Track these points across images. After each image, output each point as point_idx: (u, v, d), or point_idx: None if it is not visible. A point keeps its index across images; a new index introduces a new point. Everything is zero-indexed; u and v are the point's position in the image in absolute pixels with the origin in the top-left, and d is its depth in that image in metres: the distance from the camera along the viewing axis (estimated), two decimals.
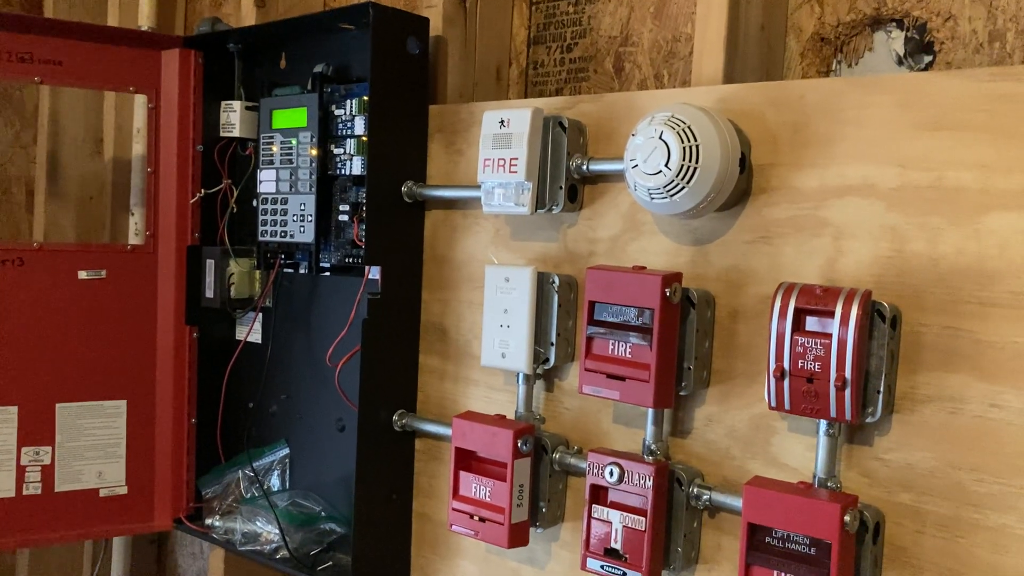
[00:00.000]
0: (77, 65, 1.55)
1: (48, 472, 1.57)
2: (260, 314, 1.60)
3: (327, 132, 1.45)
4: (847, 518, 0.89)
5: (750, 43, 1.17)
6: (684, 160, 0.98)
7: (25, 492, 1.55)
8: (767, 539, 0.95)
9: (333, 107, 1.44)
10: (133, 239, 1.84)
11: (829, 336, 0.90)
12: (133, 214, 1.89)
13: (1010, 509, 0.87)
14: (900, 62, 1.15)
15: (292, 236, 1.48)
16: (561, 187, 1.17)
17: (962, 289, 0.90)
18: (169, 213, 1.63)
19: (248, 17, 1.76)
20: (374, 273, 1.37)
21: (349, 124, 1.42)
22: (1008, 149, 0.87)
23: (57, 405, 1.58)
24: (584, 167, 1.16)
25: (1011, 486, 0.87)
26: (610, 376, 1.06)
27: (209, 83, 1.63)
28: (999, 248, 0.87)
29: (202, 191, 1.63)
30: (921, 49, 1.13)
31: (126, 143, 2.03)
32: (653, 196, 1.02)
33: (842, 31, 1.19)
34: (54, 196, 2.11)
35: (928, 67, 1.12)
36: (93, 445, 1.61)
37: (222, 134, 1.60)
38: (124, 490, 1.64)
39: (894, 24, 1.15)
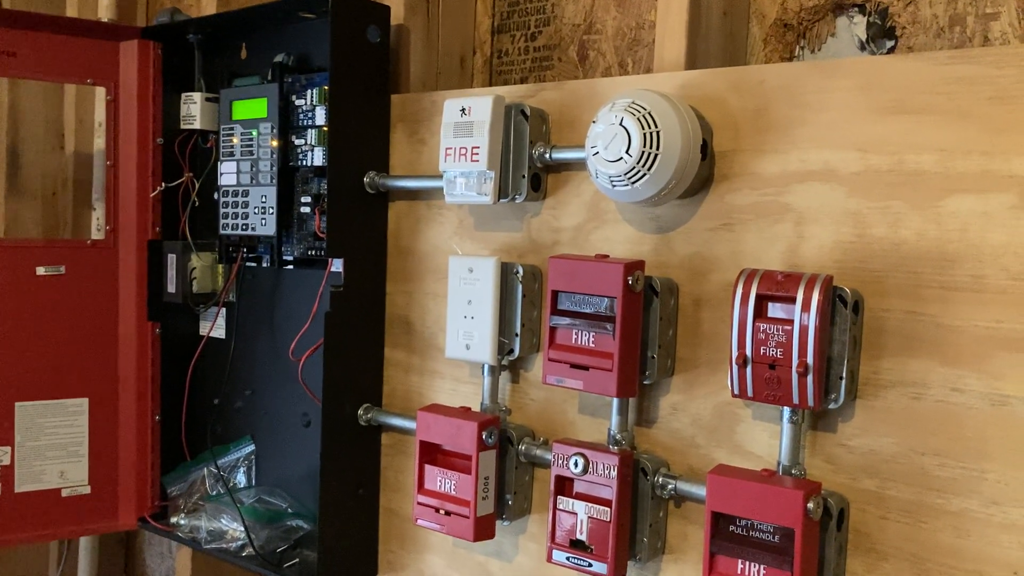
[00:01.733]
0: (32, 57, 1.52)
1: (7, 472, 1.54)
2: (223, 309, 1.58)
3: (288, 123, 1.43)
4: (810, 505, 0.88)
5: (712, 30, 1.17)
6: (645, 147, 0.97)
7: None
8: (731, 527, 0.94)
9: (294, 97, 1.42)
10: (96, 234, 1.81)
11: (791, 322, 0.90)
12: (95, 209, 1.86)
13: (971, 493, 0.86)
14: (863, 47, 1.14)
15: (254, 229, 1.46)
16: (524, 176, 1.16)
17: (923, 273, 0.89)
18: (130, 207, 1.60)
19: (209, 7, 1.73)
20: (337, 266, 1.35)
21: (310, 114, 1.40)
22: (966, 131, 0.86)
23: (16, 404, 1.54)
24: (547, 155, 1.15)
25: (972, 470, 0.86)
26: (574, 366, 1.05)
27: (169, 75, 1.60)
28: (959, 231, 0.87)
29: (163, 184, 1.60)
30: (883, 34, 1.12)
31: (88, 137, 2.00)
32: (614, 183, 1.00)
33: (805, 16, 1.18)
34: (15, 191, 2.07)
35: (891, 52, 1.11)
36: (54, 444, 1.58)
37: (183, 126, 1.57)
38: (87, 490, 1.61)
39: (856, 9, 1.14)
